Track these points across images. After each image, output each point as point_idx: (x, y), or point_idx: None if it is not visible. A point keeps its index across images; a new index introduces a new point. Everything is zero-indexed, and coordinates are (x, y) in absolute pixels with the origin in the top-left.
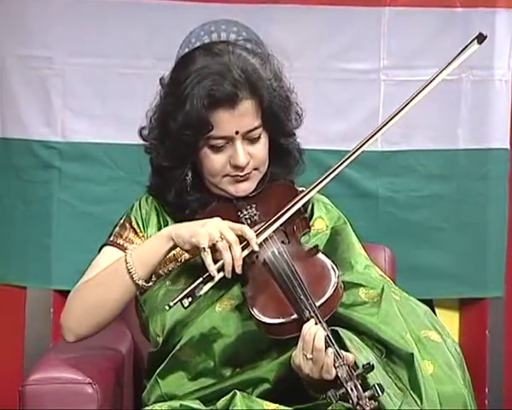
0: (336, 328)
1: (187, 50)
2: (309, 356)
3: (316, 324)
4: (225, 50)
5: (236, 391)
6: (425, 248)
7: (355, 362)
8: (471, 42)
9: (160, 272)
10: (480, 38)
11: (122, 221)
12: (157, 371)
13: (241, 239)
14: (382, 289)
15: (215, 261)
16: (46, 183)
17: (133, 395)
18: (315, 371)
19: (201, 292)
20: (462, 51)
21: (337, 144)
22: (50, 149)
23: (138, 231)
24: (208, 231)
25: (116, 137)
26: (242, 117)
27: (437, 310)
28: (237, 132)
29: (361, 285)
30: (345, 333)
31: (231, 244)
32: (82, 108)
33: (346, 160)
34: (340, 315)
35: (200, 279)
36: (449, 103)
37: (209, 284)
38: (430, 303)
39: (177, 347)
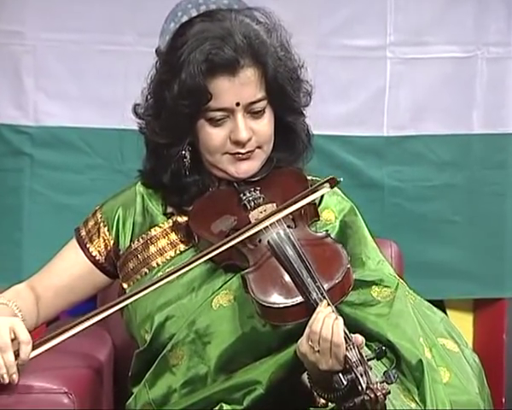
0: None
1: (173, 25)
2: (316, 348)
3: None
4: (227, 16)
5: (223, 404)
6: (435, 243)
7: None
8: (323, 182)
9: (157, 262)
10: (332, 183)
11: (95, 208)
12: (146, 375)
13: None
14: (397, 287)
15: None
16: (17, 171)
17: (113, 403)
18: (322, 362)
19: None
20: (311, 191)
21: (338, 129)
22: (21, 134)
23: (101, 226)
24: None
25: (94, 120)
26: (244, 87)
27: (449, 312)
28: (238, 104)
29: (374, 283)
30: None
31: (2, 350)
32: (56, 89)
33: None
34: (349, 317)
35: None
36: (462, 84)
37: None
38: (441, 304)
39: (168, 346)
